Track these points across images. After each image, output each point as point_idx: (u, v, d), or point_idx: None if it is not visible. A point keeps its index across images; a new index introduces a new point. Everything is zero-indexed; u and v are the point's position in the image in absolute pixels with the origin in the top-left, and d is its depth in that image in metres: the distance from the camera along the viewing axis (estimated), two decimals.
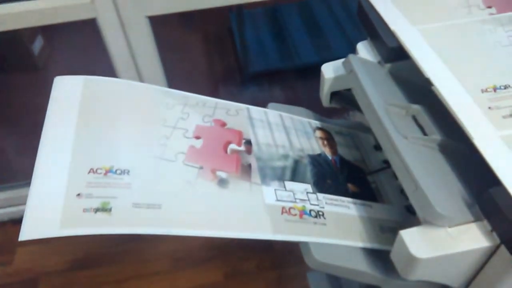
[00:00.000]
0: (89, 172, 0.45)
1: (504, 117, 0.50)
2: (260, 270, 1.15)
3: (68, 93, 0.52)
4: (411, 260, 0.44)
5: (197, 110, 0.58)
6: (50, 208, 0.41)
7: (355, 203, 0.56)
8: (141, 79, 1.06)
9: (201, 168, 0.50)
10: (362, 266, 0.50)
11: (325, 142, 0.65)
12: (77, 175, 0.44)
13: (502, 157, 0.45)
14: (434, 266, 0.45)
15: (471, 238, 0.44)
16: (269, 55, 1.66)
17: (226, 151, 0.54)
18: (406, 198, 0.59)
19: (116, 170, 0.46)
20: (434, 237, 0.44)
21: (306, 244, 0.49)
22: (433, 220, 0.44)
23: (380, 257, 0.52)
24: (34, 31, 1.89)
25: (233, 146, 0.55)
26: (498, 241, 0.43)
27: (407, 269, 0.46)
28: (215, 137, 0.55)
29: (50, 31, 1.92)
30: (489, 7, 0.66)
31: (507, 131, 0.48)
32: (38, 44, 1.93)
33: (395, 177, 0.64)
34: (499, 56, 0.58)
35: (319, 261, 0.48)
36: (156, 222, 0.43)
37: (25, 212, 0.41)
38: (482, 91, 0.53)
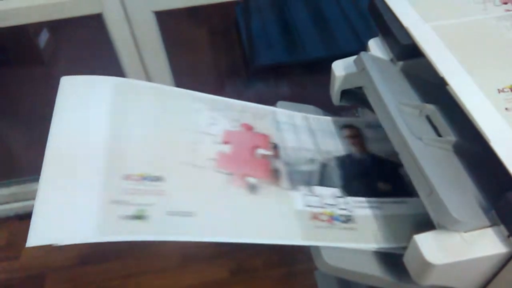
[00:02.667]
0: (125, 178, 0.43)
1: None
2: (266, 268, 1.14)
3: (99, 94, 0.50)
4: (425, 265, 0.43)
5: (225, 114, 0.56)
6: (86, 214, 0.40)
7: (386, 202, 0.55)
8: (147, 74, 1.05)
9: (230, 174, 0.49)
10: (374, 271, 0.49)
11: (353, 141, 0.63)
12: (113, 181, 0.43)
13: None
14: (449, 272, 0.44)
15: (487, 244, 0.43)
16: (276, 48, 1.64)
17: (254, 156, 0.53)
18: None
19: (148, 177, 0.44)
20: (449, 243, 0.43)
21: (317, 247, 0.48)
22: (449, 225, 0.43)
23: (393, 261, 0.51)
24: (39, 25, 1.89)
25: (261, 150, 0.54)
26: None
27: (420, 274, 0.44)
28: (243, 142, 0.54)
29: (55, 25, 1.91)
30: (505, 3, 0.64)
31: None
32: (43, 38, 1.92)
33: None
34: None
35: (330, 265, 0.47)
36: (189, 230, 0.42)
37: (59, 219, 0.40)
38: (499, 91, 0.51)
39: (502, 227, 0.43)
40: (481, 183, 0.47)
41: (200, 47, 1.80)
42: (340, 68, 0.65)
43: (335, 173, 0.56)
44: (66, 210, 0.40)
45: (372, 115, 0.69)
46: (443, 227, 0.44)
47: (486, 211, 0.44)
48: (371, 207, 0.53)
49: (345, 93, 0.68)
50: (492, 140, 0.46)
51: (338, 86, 0.66)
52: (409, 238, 0.51)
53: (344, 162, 0.58)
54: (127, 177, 0.43)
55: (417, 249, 0.43)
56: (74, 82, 0.51)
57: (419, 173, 0.47)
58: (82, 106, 0.49)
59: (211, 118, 0.54)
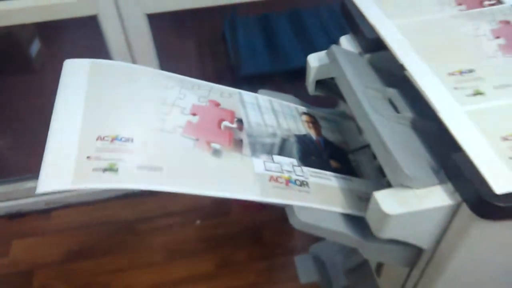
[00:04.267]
0: (97, 139, 0.50)
1: (467, 95, 0.56)
2: (250, 261, 1.19)
3: (77, 73, 0.58)
4: (383, 216, 0.49)
5: (193, 92, 0.63)
6: (63, 168, 0.46)
7: (336, 177, 0.62)
8: None
9: (197, 140, 0.55)
10: (340, 228, 0.55)
11: (311, 125, 0.70)
12: (87, 141, 0.49)
13: (464, 127, 0.51)
14: (403, 223, 0.50)
15: (436, 198, 0.49)
16: (260, 59, 1.73)
17: (220, 127, 0.60)
18: (383, 175, 0.64)
19: (121, 138, 0.51)
20: (403, 197, 0.50)
21: (291, 207, 0.54)
22: (403, 181, 0.50)
23: (358, 223, 0.58)
24: (31, 34, 1.94)
25: (226, 123, 0.61)
26: (460, 199, 0.48)
27: (379, 227, 0.51)
28: (210, 115, 0.61)
29: (47, 34, 1.96)
30: (460, 4, 0.73)
31: (470, 106, 0.54)
32: (35, 47, 1.97)
33: (374, 157, 0.69)
34: (466, 46, 0.64)
35: (302, 221, 0.53)
36: (157, 181, 0.48)
37: (40, 171, 0.45)
38: (449, 74, 0.59)
39: (449, 185, 0.50)
40: (432, 150, 0.55)
41: (189, 56, 1.87)
42: (314, 60, 0.72)
43: (294, 147, 0.62)
44: (53, 165, 0.46)
45: (346, 106, 0.77)
46: (399, 185, 0.51)
47: (435, 172, 0.51)
48: (322, 177, 0.60)
49: (319, 84, 0.75)
50: (440, 111, 0.53)
51: (312, 77, 0.73)
52: (353, 207, 0.58)
53: (302, 139, 0.65)
54: (100, 138, 0.50)
55: (376, 203, 0.50)
56: (69, 64, 0.59)
57: (379, 140, 0.54)
58: (69, 84, 0.56)
59: (181, 93, 0.61)
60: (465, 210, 0.48)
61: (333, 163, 0.65)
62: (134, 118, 0.55)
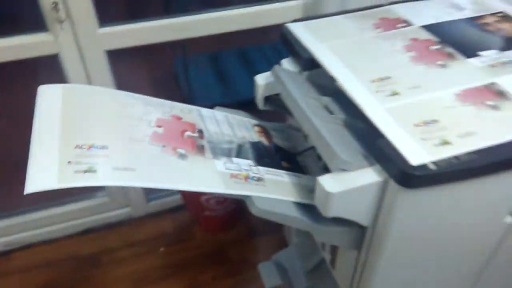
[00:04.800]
0: (75, 147, 0.56)
1: (386, 96, 0.68)
2: (217, 280, 1.22)
3: (51, 96, 0.64)
4: (327, 196, 0.59)
5: (157, 108, 0.72)
6: (48, 171, 0.52)
7: (288, 174, 0.71)
8: None
9: (164, 146, 0.63)
10: (293, 213, 0.64)
11: (262, 134, 0.80)
12: (66, 149, 0.55)
13: (384, 120, 0.63)
14: (344, 200, 0.60)
15: (368, 176, 0.60)
16: (212, 92, 1.84)
17: (183, 136, 0.68)
18: (327, 172, 0.75)
19: (97, 146, 0.57)
20: (342, 179, 0.60)
21: (250, 198, 0.62)
22: (340, 165, 0.60)
23: (309, 211, 0.67)
24: None
25: (188, 133, 0.69)
26: (387, 176, 0.59)
27: (325, 205, 0.60)
28: (173, 127, 0.69)
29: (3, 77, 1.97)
30: (378, 28, 0.88)
31: (388, 104, 0.66)
32: None
33: (318, 158, 0.80)
34: (384, 59, 0.78)
35: (260, 208, 0.61)
36: (132, 179, 0.55)
37: (27, 176, 0.51)
38: (372, 81, 0.72)
39: (377, 166, 0.61)
40: (361, 141, 0.65)
41: (144, 90, 1.95)
42: (261, 79, 0.84)
43: (249, 152, 0.72)
44: (38, 170, 0.52)
45: (293, 120, 0.88)
46: (337, 170, 0.61)
47: (366, 157, 0.62)
48: (276, 175, 0.70)
49: (267, 100, 0.86)
50: (365, 109, 0.65)
51: (261, 93, 0.84)
52: (303, 197, 0.67)
53: (256, 145, 0.75)
54: (78, 147, 0.56)
55: (320, 185, 0.59)
56: (43, 89, 0.66)
57: (319, 136, 0.64)
58: (45, 105, 0.63)
59: (146, 110, 0.69)
60: (392, 184, 0.59)
61: (284, 164, 0.74)
62: (106, 130, 0.62)
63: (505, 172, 0.61)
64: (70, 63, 1.04)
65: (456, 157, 0.57)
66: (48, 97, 0.63)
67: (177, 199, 1.42)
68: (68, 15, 0.96)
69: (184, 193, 1.31)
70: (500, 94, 0.68)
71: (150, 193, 1.40)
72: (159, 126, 0.67)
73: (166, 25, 1.06)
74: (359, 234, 0.70)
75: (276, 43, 2.11)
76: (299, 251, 1.12)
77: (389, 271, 0.74)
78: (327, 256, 0.92)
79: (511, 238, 0.78)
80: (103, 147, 0.58)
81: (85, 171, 0.53)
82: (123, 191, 1.33)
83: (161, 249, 1.32)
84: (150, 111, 0.70)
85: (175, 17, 1.07)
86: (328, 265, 0.93)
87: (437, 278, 0.83)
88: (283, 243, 1.19)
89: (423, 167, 0.55)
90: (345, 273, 0.84)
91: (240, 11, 1.10)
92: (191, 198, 1.27)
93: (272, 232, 1.33)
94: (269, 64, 0.85)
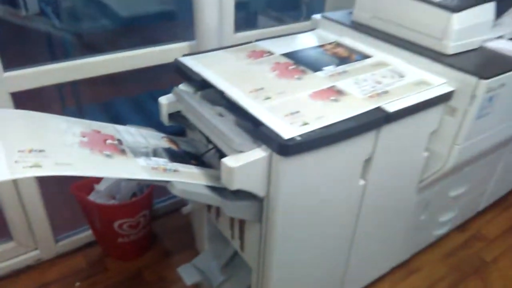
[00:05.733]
0: (18, 152, 0.67)
1: (262, 100, 0.92)
2: None
3: None
4: (230, 170, 0.78)
5: (79, 124, 0.84)
6: (2, 169, 0.62)
7: (197, 168, 0.89)
8: None
9: (91, 149, 0.76)
10: (206, 192, 0.82)
11: (171, 142, 0.97)
12: (11, 153, 0.65)
13: (264, 114, 0.86)
14: (243, 173, 0.80)
15: (257, 154, 0.81)
16: None
17: (105, 143, 0.81)
18: None
19: (36, 150, 0.68)
20: (238, 157, 0.80)
21: (171, 183, 0.78)
22: (236, 148, 0.80)
23: (219, 192, 0.85)
24: None
25: (109, 141, 0.83)
26: (270, 151, 0.81)
27: (229, 179, 0.79)
28: (96, 137, 0.82)
29: None
30: (250, 57, 1.14)
31: (265, 105, 0.90)
32: None
33: (218, 158, 0.99)
34: (257, 77, 1.02)
35: (179, 188, 0.78)
36: (71, 170, 0.67)
37: None
38: (250, 92, 0.95)
39: (263, 146, 0.82)
40: (249, 132, 0.87)
41: None
42: (164, 99, 1.02)
43: (163, 154, 0.89)
44: None
45: (194, 134, 1.06)
46: (234, 152, 0.81)
47: (254, 141, 0.83)
48: (188, 168, 0.87)
49: (171, 117, 1.04)
50: (248, 109, 0.87)
51: (165, 111, 1.02)
52: (212, 181, 0.86)
53: (167, 150, 0.92)
54: (20, 151, 0.68)
55: (224, 164, 0.78)
56: None
57: (218, 132, 0.84)
58: None
59: (68, 125, 0.82)
60: (274, 156, 0.81)
61: (193, 162, 0.92)
62: (40, 139, 0.73)
63: (346, 140, 0.87)
64: None
65: (312, 131, 0.81)
66: None
67: (86, 236, 1.46)
68: None
69: (95, 226, 1.36)
70: (339, 92, 0.97)
71: (58, 233, 1.42)
72: (83, 136, 0.80)
73: (66, 67, 1.18)
74: (259, 207, 0.90)
75: (166, 89, 2.31)
76: (213, 253, 1.27)
77: (283, 238, 0.95)
78: (236, 243, 1.09)
79: (366, 198, 1.06)
80: (41, 151, 0.69)
81: (32, 166, 0.64)
82: (30, 232, 1.33)
83: (77, 284, 1.34)
84: (72, 126, 0.82)
85: (75, 59, 1.20)
86: (239, 252, 1.10)
87: (322, 241, 1.06)
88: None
89: (292, 139, 0.79)
90: (252, 252, 1.03)
91: (137, 52, 1.27)
92: (103, 228, 1.33)
93: (185, 249, 1.45)
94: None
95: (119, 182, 1.32)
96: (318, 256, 1.09)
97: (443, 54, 1.08)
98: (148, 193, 1.32)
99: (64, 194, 1.36)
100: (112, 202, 1.32)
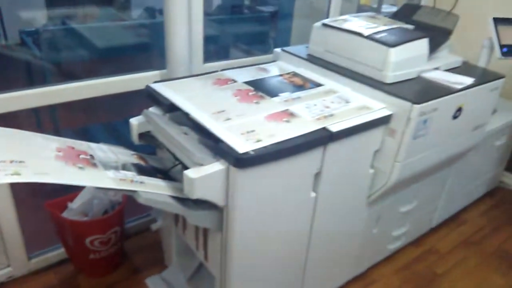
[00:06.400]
0: (0, 162, 0.76)
1: (223, 120, 1.03)
2: None
3: None
4: (191, 181, 0.88)
5: (54, 141, 0.94)
6: None
7: (163, 181, 0.99)
8: None
9: (66, 162, 0.86)
10: (170, 201, 0.92)
11: (140, 159, 1.07)
12: None
13: (223, 133, 0.97)
14: (203, 184, 0.90)
15: (216, 166, 0.92)
16: None
17: (79, 158, 0.91)
18: None
19: (16, 161, 0.77)
20: (199, 170, 0.91)
21: (137, 192, 0.88)
22: (197, 161, 0.91)
23: (183, 202, 0.95)
24: None
25: (82, 156, 0.92)
26: (227, 164, 0.92)
27: (191, 189, 0.90)
28: (70, 152, 0.91)
29: None
30: (214, 84, 1.26)
31: (225, 125, 1.02)
32: None
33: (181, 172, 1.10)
34: (220, 101, 1.14)
35: (144, 197, 0.87)
36: (49, 178, 0.76)
37: None
38: (213, 113, 1.07)
39: (222, 160, 0.94)
40: (210, 148, 0.98)
41: None
42: (135, 120, 1.12)
43: (132, 168, 0.99)
44: None
45: (162, 153, 1.17)
46: (196, 165, 0.92)
47: (214, 156, 0.95)
48: (154, 181, 0.97)
49: (142, 137, 1.14)
50: (210, 128, 0.99)
51: (135, 131, 1.12)
52: (176, 192, 0.96)
53: (136, 165, 1.02)
54: (2, 162, 0.77)
55: (186, 176, 0.89)
56: None
57: (182, 148, 0.95)
58: None
59: (46, 142, 0.92)
60: (231, 169, 0.92)
61: (159, 176, 1.02)
62: (20, 152, 0.82)
63: (296, 155, 0.99)
64: None
65: (265, 147, 0.93)
66: None
67: (59, 253, 1.51)
68: None
69: (68, 243, 1.42)
70: (291, 114, 1.10)
71: (31, 251, 1.47)
72: (59, 151, 0.89)
73: (42, 92, 1.28)
74: (219, 216, 1.00)
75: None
76: (180, 266, 1.34)
77: (242, 246, 1.05)
78: (201, 254, 1.18)
79: (319, 209, 1.17)
80: (21, 162, 0.78)
81: (12, 174, 0.73)
82: (3, 249, 1.38)
83: None
84: (49, 142, 0.92)
85: (54, 85, 1.30)
86: (204, 262, 1.19)
87: (279, 251, 1.16)
88: None
89: (247, 153, 0.90)
90: (215, 261, 1.12)
91: (112, 79, 1.39)
92: (75, 245, 1.39)
93: (155, 265, 1.52)
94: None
95: (91, 200, 1.39)
96: (275, 265, 1.18)
97: (384, 83, 1.23)
98: (119, 210, 1.40)
99: (39, 212, 1.42)
100: (85, 219, 1.39)
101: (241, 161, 0.90)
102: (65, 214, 1.38)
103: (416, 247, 1.77)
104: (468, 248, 1.80)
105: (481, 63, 1.64)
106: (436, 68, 1.38)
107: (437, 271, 1.66)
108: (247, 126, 1.02)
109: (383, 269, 1.63)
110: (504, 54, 1.54)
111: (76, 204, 1.39)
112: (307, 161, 1.04)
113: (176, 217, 1.26)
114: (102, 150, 1.01)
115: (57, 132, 2.00)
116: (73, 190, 1.42)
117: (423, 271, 1.66)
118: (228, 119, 1.05)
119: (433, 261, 1.71)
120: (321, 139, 1.02)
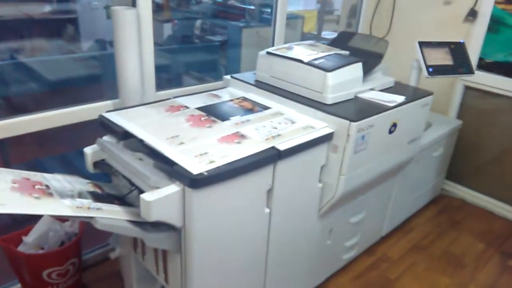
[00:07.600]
0: None
1: (177, 145, 1.09)
2: None
3: None
4: (147, 204, 0.93)
5: (9, 173, 0.95)
6: None
7: (120, 207, 1.02)
8: None
9: (21, 193, 0.87)
10: (127, 225, 0.95)
11: (95, 187, 1.10)
12: None
13: (177, 156, 1.03)
14: (159, 206, 0.95)
15: (172, 189, 0.97)
16: None
17: (34, 188, 0.93)
18: None
19: None
20: (155, 192, 0.95)
21: (94, 218, 0.90)
22: (153, 184, 0.96)
23: (141, 226, 0.98)
24: None
25: (38, 186, 0.94)
26: (183, 186, 0.97)
27: (147, 212, 0.93)
28: (26, 183, 0.93)
29: None
30: (167, 111, 1.32)
31: (179, 148, 1.07)
32: None
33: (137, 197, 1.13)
34: (173, 127, 1.20)
35: (101, 223, 0.90)
36: (4, 209, 0.78)
37: None
38: (167, 139, 1.12)
39: (177, 182, 0.99)
40: (165, 172, 1.03)
41: None
42: (89, 149, 1.15)
43: (88, 196, 1.01)
44: None
45: (118, 180, 1.20)
46: (151, 188, 0.96)
47: (169, 178, 0.99)
48: (111, 207, 1.00)
49: (96, 165, 1.17)
50: (164, 152, 1.04)
51: (89, 160, 1.15)
52: (133, 217, 1.00)
53: (92, 192, 1.05)
54: None
55: (143, 199, 0.93)
56: None
57: (138, 173, 0.99)
58: None
59: (0, 175, 0.93)
60: (187, 189, 0.97)
61: (116, 202, 1.05)
62: None
63: (248, 174, 1.06)
64: None
65: (217, 167, 1.00)
66: None
67: None
68: None
69: (24, 278, 1.39)
70: (242, 136, 1.17)
71: None
72: (14, 183, 0.91)
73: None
74: (178, 237, 1.04)
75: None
76: None
77: (201, 265, 1.09)
78: (162, 277, 1.21)
79: (273, 224, 1.23)
80: None
81: None
82: None
83: None
84: (4, 175, 0.93)
85: (3, 119, 1.30)
86: (165, 286, 1.21)
87: (238, 267, 1.21)
88: None
89: (200, 174, 0.96)
90: (176, 283, 1.15)
91: (64, 110, 1.40)
92: (32, 279, 1.36)
93: None
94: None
95: (47, 232, 1.38)
96: (236, 282, 1.23)
97: (324, 104, 1.34)
98: (76, 241, 1.40)
99: None
100: (41, 252, 1.37)
101: (196, 182, 0.96)
102: (20, 248, 1.35)
103: (368, 256, 1.87)
104: (417, 253, 1.93)
105: (412, 82, 1.81)
106: (372, 89, 1.52)
107: (390, 277, 1.76)
108: (200, 149, 1.07)
109: (340, 279, 1.71)
110: (430, 73, 1.71)
111: (31, 237, 1.37)
112: (259, 179, 1.11)
113: (135, 243, 1.28)
114: (57, 180, 1.03)
115: (8, 167, 1.96)
116: (26, 224, 1.40)
117: (377, 278, 1.75)
118: (182, 143, 1.11)
119: (386, 267, 1.82)
120: (270, 157, 1.10)
